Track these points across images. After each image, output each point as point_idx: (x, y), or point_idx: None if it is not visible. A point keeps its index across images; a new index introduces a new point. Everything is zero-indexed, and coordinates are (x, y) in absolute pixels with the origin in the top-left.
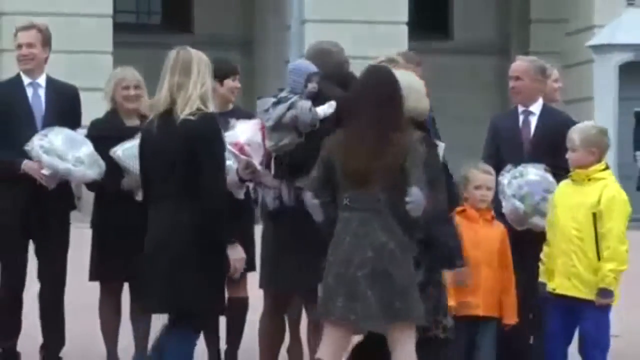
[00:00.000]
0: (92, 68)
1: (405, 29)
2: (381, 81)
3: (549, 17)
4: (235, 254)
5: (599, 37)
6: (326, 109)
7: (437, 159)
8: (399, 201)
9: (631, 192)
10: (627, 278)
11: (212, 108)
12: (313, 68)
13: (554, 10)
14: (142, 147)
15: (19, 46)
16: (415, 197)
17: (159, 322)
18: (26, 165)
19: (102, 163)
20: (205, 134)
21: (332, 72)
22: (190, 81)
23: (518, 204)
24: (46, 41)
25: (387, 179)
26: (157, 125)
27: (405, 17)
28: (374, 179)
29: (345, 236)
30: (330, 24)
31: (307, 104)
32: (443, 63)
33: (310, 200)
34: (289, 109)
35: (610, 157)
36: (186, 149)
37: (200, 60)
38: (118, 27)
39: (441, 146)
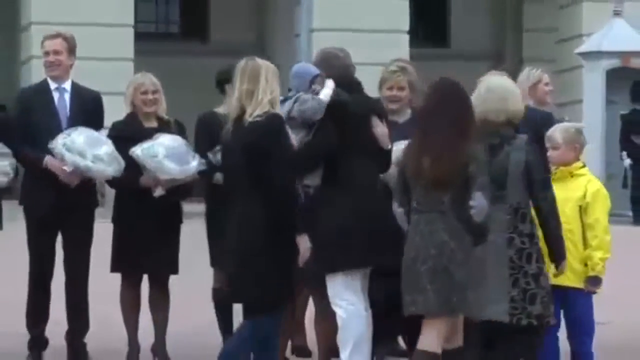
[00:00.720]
0: (115, 74)
1: (406, 37)
2: (449, 92)
3: (540, 26)
4: (304, 243)
5: (588, 45)
6: (327, 92)
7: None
8: (463, 206)
9: (617, 189)
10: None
11: (279, 112)
12: (316, 70)
13: (545, 20)
14: (222, 150)
15: (46, 53)
16: (479, 202)
17: (177, 308)
18: (48, 161)
19: (121, 161)
20: (273, 131)
21: (338, 75)
22: (259, 88)
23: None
24: (71, 49)
25: (451, 184)
26: (231, 129)
27: (406, 26)
28: (439, 183)
29: (415, 236)
30: (337, 32)
31: (309, 95)
32: (441, 68)
33: (396, 209)
34: (295, 102)
35: (598, 156)
36: (255, 147)
37: (267, 68)
38: (139, 36)
39: None
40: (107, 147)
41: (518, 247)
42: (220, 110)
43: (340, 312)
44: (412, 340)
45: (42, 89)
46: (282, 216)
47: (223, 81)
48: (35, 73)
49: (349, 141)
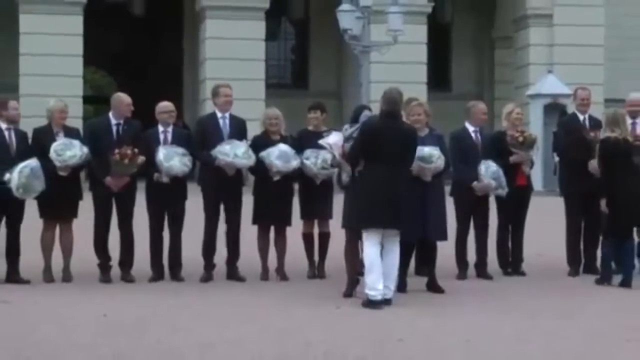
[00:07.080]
0: (253, 109)
1: (425, 86)
2: None
3: (505, 79)
4: None
5: (532, 90)
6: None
7: None
8: None
9: (550, 175)
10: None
11: None
12: (360, 110)
13: (508, 75)
14: (605, 149)
15: (224, 96)
16: None
17: (292, 246)
18: (218, 162)
19: (253, 157)
20: None
21: (387, 105)
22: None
23: (492, 181)
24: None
25: None
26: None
27: (424, 79)
28: None
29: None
30: (384, 84)
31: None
32: (445, 106)
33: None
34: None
35: (538, 159)
36: None
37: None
38: (267, 86)
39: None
40: (243, 149)
41: None
42: (310, 128)
43: (364, 249)
44: (423, 261)
45: (212, 116)
46: None
47: (310, 109)
48: (208, 108)
49: (371, 146)
